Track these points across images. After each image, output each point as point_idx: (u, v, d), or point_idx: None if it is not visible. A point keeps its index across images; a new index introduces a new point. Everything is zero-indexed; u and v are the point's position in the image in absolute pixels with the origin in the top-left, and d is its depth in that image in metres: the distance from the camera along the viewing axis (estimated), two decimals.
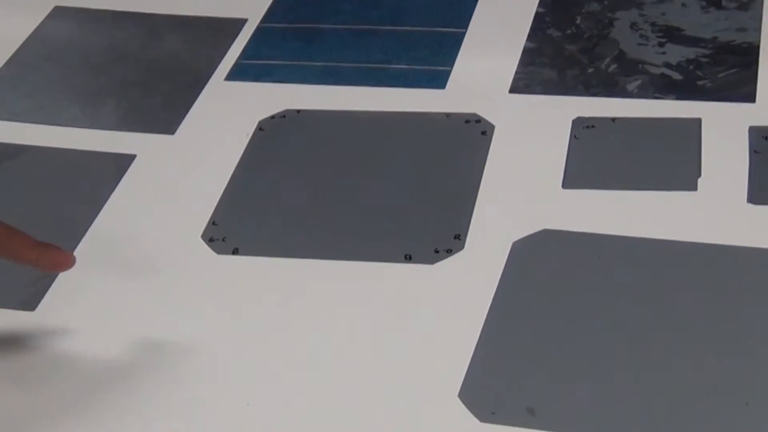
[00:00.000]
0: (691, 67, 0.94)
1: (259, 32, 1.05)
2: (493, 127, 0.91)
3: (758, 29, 0.97)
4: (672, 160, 0.86)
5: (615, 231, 0.81)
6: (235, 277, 0.81)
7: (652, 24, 0.99)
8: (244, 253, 0.83)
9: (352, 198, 0.86)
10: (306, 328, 0.76)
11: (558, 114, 0.91)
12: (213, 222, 0.86)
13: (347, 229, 0.84)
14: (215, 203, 0.87)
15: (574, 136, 0.89)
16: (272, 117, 0.95)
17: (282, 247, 0.83)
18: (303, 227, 0.84)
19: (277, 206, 0.86)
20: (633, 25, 1.00)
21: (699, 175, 0.84)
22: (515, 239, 0.81)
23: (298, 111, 0.95)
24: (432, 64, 0.98)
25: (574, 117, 0.91)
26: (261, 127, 0.94)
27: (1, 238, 0.72)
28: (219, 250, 0.83)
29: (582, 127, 0.90)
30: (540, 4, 1.04)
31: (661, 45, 0.97)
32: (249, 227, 0.85)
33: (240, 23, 1.06)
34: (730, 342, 0.72)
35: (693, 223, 0.80)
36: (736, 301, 0.75)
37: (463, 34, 1.02)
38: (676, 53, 0.96)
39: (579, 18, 1.02)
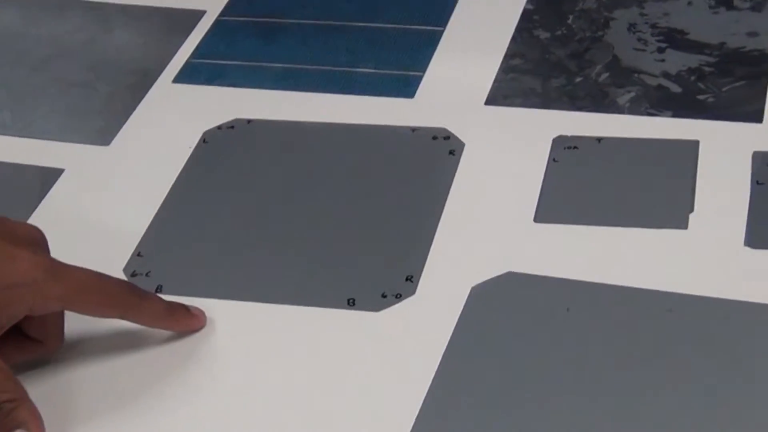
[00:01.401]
0: (692, 78, 0.83)
1: (216, 26, 0.95)
2: (462, 145, 0.80)
3: None
4: (662, 190, 0.75)
5: (589, 276, 0.70)
6: None
7: (653, 26, 0.88)
8: (169, 292, 0.73)
9: (295, 229, 0.76)
10: (233, 382, 0.67)
11: (537, 131, 0.81)
12: (138, 253, 0.76)
13: (286, 267, 0.73)
14: (143, 230, 0.77)
15: (553, 159, 0.78)
16: (219, 127, 0.84)
17: (212, 286, 0.73)
18: (237, 263, 0.74)
19: (211, 237, 0.76)
20: (631, 27, 0.88)
21: (691, 210, 0.73)
22: (475, 283, 0.71)
23: (249, 121, 0.85)
24: (403, 68, 0.88)
25: (555, 135, 0.80)
26: (205, 139, 0.84)
27: (131, 303, 0.67)
28: (141, 287, 0.73)
29: (563, 147, 0.79)
30: (528, 1, 0.92)
31: (660, 51, 0.86)
32: (177, 261, 0.75)
33: (197, 15, 0.96)
34: (716, 412, 0.62)
35: (679, 270, 0.70)
36: (724, 365, 0.64)
37: (441, 32, 0.91)
38: (677, 61, 0.85)
39: (571, 17, 0.90)
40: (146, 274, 0.74)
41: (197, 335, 0.70)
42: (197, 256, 0.75)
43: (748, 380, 0.63)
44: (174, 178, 0.81)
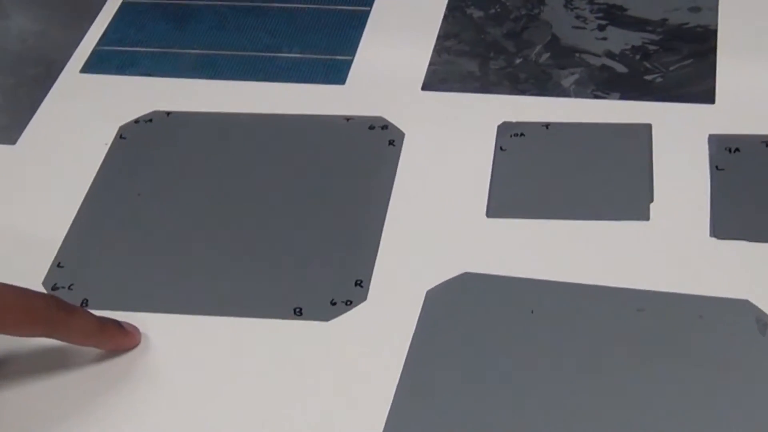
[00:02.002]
0: (637, 57, 0.79)
1: (123, 10, 0.88)
2: (402, 135, 0.75)
3: (714, 8, 0.82)
4: (618, 179, 0.71)
5: (550, 274, 0.66)
6: None
7: (591, 1, 0.84)
8: (97, 306, 0.66)
9: (230, 233, 0.70)
10: (176, 401, 0.61)
11: (480, 118, 0.76)
12: (58, 264, 0.69)
13: (223, 275, 0.68)
14: (62, 238, 0.70)
15: (500, 147, 0.74)
16: (136, 121, 0.78)
17: (144, 299, 0.67)
18: (170, 272, 0.68)
19: (138, 243, 0.70)
20: (568, 3, 0.84)
21: (651, 199, 0.69)
22: (429, 286, 0.66)
23: (168, 113, 0.78)
24: (330, 53, 0.82)
25: (499, 122, 0.75)
26: (122, 135, 0.77)
27: (58, 320, 0.61)
28: None
29: (509, 134, 0.75)
30: None
31: (601, 28, 0.81)
32: (103, 271, 0.69)
33: None
34: (679, 414, 0.58)
35: (645, 265, 0.66)
36: (700, 364, 0.60)
37: (368, 13, 0.85)
38: (619, 39, 0.81)
39: None
40: (69, 287, 0.68)
41: (134, 353, 0.64)
42: (125, 265, 0.69)
43: (724, 380, 0.60)
44: (91, 179, 0.74)
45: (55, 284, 0.68)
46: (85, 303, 0.67)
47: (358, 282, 0.66)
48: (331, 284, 0.66)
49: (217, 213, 0.71)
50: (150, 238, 0.70)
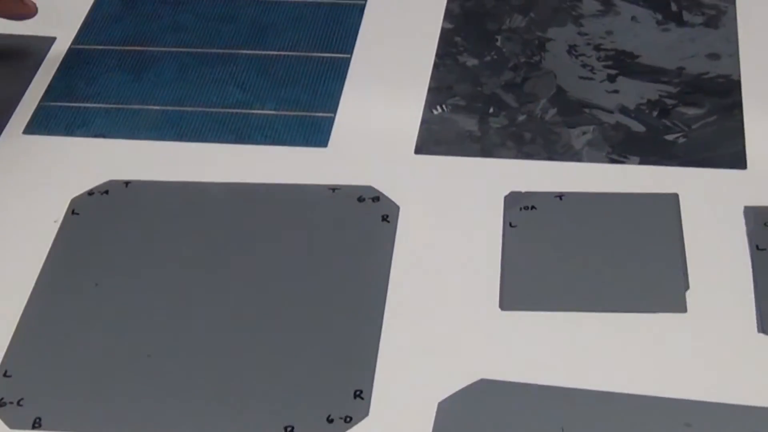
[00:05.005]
0: (654, 113, 0.70)
1: (71, 57, 0.78)
2: (397, 208, 0.66)
3: (735, 54, 0.74)
4: (646, 260, 0.63)
5: (579, 380, 0.57)
6: None
7: (597, 47, 0.75)
8: (50, 428, 0.56)
9: (204, 334, 0.60)
10: None
11: (484, 188, 0.67)
12: (4, 373, 0.59)
13: (197, 387, 0.58)
14: (7, 342, 0.61)
15: (509, 224, 0.65)
16: (90, 193, 0.68)
17: (109, 419, 0.57)
18: (138, 383, 0.58)
19: (99, 347, 0.60)
20: (572, 49, 0.75)
21: (686, 287, 0.61)
22: (440, 396, 0.57)
23: (126, 183, 0.69)
24: (308, 109, 0.73)
25: (506, 191, 0.67)
26: (74, 210, 0.67)
27: None
28: (12, 421, 0.57)
29: (518, 208, 0.66)
30: (446, 18, 0.78)
31: (611, 79, 0.73)
32: (57, 383, 0.59)
33: (46, 44, 0.78)
34: None
35: (685, 368, 0.57)
36: None
37: (348, 60, 0.76)
38: (632, 91, 0.72)
39: (500, 38, 0.77)
40: (18, 403, 0.58)
41: None
42: (84, 376, 0.59)
43: None
44: (39, 265, 0.64)
45: (2, 399, 0.58)
46: (38, 423, 0.57)
47: (358, 393, 0.57)
48: (326, 396, 0.57)
49: (187, 309, 0.61)
50: (113, 341, 0.60)
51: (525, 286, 0.61)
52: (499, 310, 0.61)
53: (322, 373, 0.58)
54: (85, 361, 0.59)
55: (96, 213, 0.67)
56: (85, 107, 0.74)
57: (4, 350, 0.60)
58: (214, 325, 0.60)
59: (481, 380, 0.58)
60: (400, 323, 0.60)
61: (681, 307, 0.60)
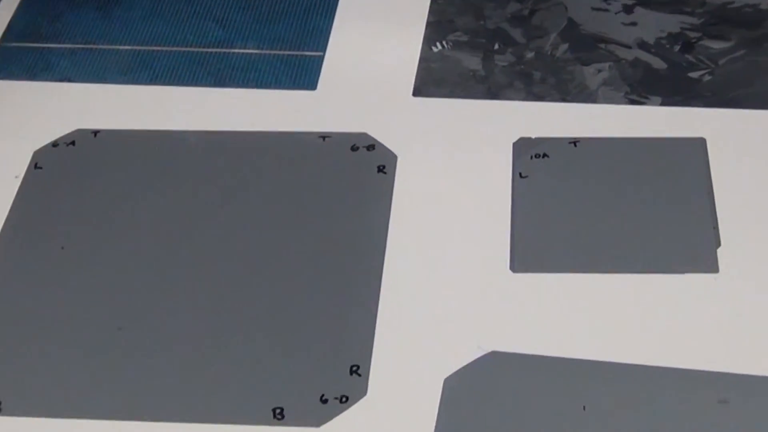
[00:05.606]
0: (677, 47, 0.64)
1: None
2: (394, 158, 0.60)
3: None
4: (672, 215, 0.57)
5: (600, 349, 0.52)
6: None
7: None
8: (11, 413, 0.51)
9: (185, 304, 0.54)
10: None
11: (491, 133, 0.61)
12: None
13: (180, 365, 0.52)
14: None
15: (519, 174, 0.59)
16: (55, 144, 0.62)
17: (75, 400, 0.51)
18: (111, 361, 0.52)
19: (65, 321, 0.54)
20: None
21: (718, 243, 0.55)
22: (446, 372, 0.51)
23: (95, 132, 0.62)
24: (295, 47, 0.66)
25: (515, 137, 0.60)
26: (37, 163, 0.61)
27: None
28: None
29: (529, 156, 0.60)
30: None
31: (628, 10, 0.67)
32: (17, 361, 0.53)
33: None
34: None
35: (718, 336, 0.52)
36: None
37: None
38: (652, 24, 0.66)
39: None
40: None
41: None
42: (49, 352, 0.53)
43: None
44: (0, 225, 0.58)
45: None
46: None
47: (354, 369, 0.52)
48: (320, 374, 0.52)
49: (164, 276, 0.55)
50: (80, 314, 0.54)
51: (538, 244, 0.56)
52: (510, 272, 0.55)
53: (313, 347, 0.52)
54: (50, 334, 0.54)
55: (61, 167, 0.61)
56: (48, 48, 0.68)
57: None
58: (192, 293, 0.54)
59: (492, 353, 0.52)
60: (400, 289, 0.55)
61: (712, 266, 0.55)
